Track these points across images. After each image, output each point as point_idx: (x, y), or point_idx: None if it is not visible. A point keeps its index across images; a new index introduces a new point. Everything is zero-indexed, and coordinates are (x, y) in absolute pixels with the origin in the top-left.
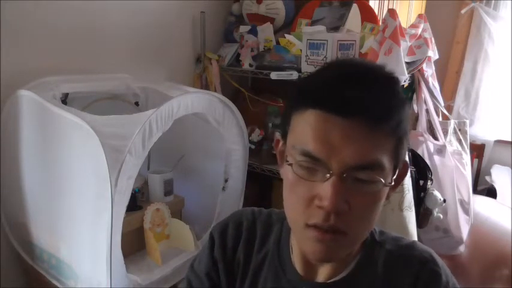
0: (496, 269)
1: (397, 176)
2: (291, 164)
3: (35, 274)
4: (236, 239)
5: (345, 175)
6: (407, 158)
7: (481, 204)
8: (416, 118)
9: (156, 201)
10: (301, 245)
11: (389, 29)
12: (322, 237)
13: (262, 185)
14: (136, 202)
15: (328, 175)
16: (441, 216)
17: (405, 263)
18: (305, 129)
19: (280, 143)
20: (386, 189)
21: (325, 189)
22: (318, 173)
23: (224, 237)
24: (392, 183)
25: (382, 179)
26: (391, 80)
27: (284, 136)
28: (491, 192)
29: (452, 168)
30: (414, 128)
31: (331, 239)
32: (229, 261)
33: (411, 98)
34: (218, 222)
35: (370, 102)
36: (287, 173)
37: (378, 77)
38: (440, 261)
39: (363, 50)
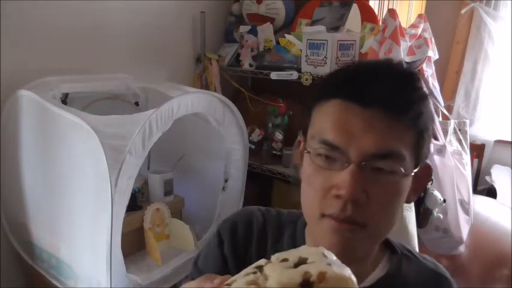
0: (496, 269)
1: (420, 179)
2: (309, 152)
3: (35, 274)
4: (247, 238)
5: (363, 163)
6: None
7: (481, 204)
8: None
9: (156, 201)
10: (316, 238)
11: (389, 29)
12: (338, 227)
13: (262, 185)
14: (136, 202)
15: (347, 164)
16: (441, 216)
17: (433, 279)
18: (325, 119)
19: (302, 144)
20: (407, 183)
21: (343, 177)
22: (336, 163)
23: (234, 236)
24: (412, 174)
25: (401, 169)
26: (411, 75)
27: (305, 134)
28: (491, 192)
29: (452, 168)
30: None
31: (348, 229)
32: (241, 259)
33: None
34: (224, 220)
35: (390, 93)
36: (305, 165)
37: (399, 71)
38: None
39: (363, 50)
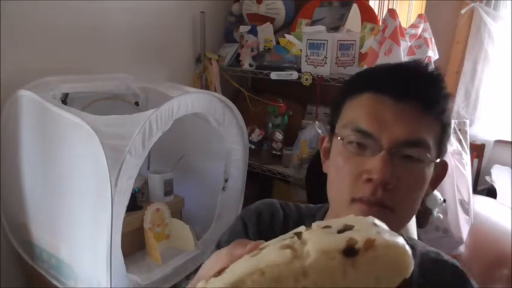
0: (496, 269)
1: (438, 174)
2: (342, 139)
3: (35, 274)
4: (271, 227)
5: (394, 150)
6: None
7: (481, 204)
8: None
9: (156, 201)
10: None
11: (389, 29)
12: (368, 209)
13: (262, 185)
14: (137, 202)
15: (378, 150)
16: (441, 216)
17: (439, 266)
18: (358, 110)
19: (326, 140)
20: (430, 172)
21: (375, 163)
22: (367, 150)
23: (259, 223)
24: (437, 160)
25: (428, 155)
26: (438, 75)
27: (332, 130)
28: (491, 192)
29: (452, 168)
30: None
31: (378, 212)
32: None
33: None
34: (247, 208)
35: (421, 89)
36: (334, 155)
37: (428, 71)
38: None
39: (363, 50)
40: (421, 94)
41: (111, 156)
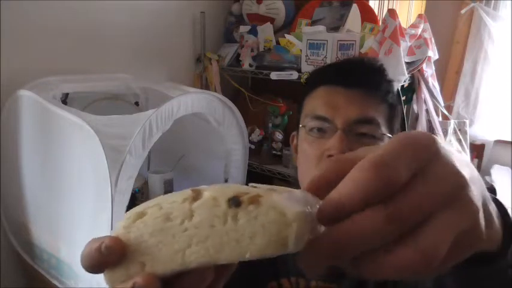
0: None
1: None
2: (304, 126)
3: (35, 274)
4: None
5: (348, 129)
6: None
7: None
8: (416, 118)
9: None
10: None
11: (389, 29)
12: None
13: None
14: (136, 202)
15: (335, 131)
16: None
17: None
18: (316, 101)
19: (295, 139)
20: None
21: (333, 140)
22: (327, 133)
23: None
24: (388, 135)
25: (379, 131)
26: (380, 66)
27: (298, 126)
28: (491, 192)
29: None
30: (414, 128)
31: None
32: None
33: (411, 98)
34: None
35: (366, 77)
36: (300, 143)
37: (370, 62)
38: None
39: (363, 50)
40: (366, 81)
41: (111, 156)
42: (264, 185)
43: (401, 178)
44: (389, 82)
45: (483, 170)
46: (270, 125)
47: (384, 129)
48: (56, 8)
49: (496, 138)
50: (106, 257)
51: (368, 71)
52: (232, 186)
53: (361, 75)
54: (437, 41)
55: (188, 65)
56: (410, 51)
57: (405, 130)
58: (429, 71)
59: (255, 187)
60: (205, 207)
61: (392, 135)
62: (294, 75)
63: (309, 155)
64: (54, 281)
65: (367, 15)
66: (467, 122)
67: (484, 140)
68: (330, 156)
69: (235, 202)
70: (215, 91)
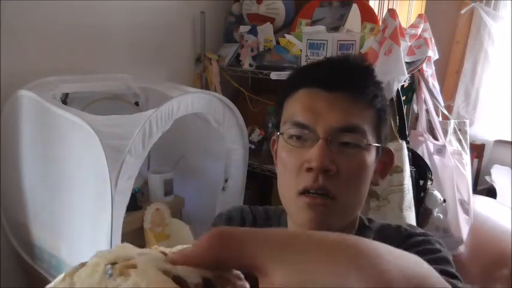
0: (496, 269)
1: (385, 163)
2: (282, 133)
3: (35, 274)
4: None
5: (330, 138)
6: (406, 159)
7: (481, 204)
8: (416, 118)
9: (156, 201)
10: (295, 218)
11: (389, 29)
12: (312, 201)
13: (262, 185)
14: (137, 202)
15: (316, 140)
16: (441, 216)
17: (392, 239)
18: (295, 105)
19: (276, 144)
20: (371, 158)
21: (313, 151)
22: (307, 142)
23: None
24: (374, 144)
25: (364, 140)
26: (367, 65)
27: (278, 130)
28: (491, 192)
29: (452, 168)
30: (414, 128)
31: (321, 203)
32: None
33: (411, 98)
34: (219, 215)
35: (350, 78)
36: (279, 151)
37: (356, 62)
38: (420, 229)
39: (363, 50)
40: (351, 83)
41: (111, 156)
42: (176, 247)
43: None
44: (378, 84)
45: (483, 170)
46: (270, 125)
47: (370, 138)
48: (56, 8)
49: (496, 138)
50: None
51: (353, 72)
52: (125, 248)
53: (345, 77)
54: (437, 41)
55: (188, 65)
56: (411, 51)
57: (406, 130)
58: (429, 71)
59: (163, 252)
60: (84, 272)
61: (379, 144)
62: None
63: (287, 165)
64: None
65: (367, 15)
66: (467, 122)
67: (484, 140)
68: (309, 170)
69: (108, 270)
70: (215, 91)
